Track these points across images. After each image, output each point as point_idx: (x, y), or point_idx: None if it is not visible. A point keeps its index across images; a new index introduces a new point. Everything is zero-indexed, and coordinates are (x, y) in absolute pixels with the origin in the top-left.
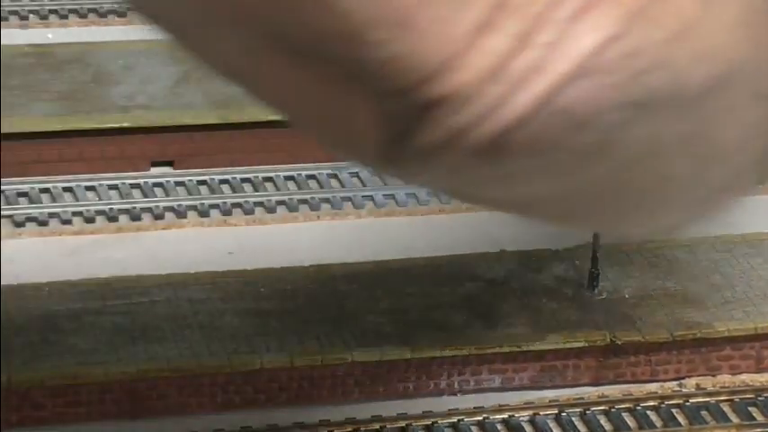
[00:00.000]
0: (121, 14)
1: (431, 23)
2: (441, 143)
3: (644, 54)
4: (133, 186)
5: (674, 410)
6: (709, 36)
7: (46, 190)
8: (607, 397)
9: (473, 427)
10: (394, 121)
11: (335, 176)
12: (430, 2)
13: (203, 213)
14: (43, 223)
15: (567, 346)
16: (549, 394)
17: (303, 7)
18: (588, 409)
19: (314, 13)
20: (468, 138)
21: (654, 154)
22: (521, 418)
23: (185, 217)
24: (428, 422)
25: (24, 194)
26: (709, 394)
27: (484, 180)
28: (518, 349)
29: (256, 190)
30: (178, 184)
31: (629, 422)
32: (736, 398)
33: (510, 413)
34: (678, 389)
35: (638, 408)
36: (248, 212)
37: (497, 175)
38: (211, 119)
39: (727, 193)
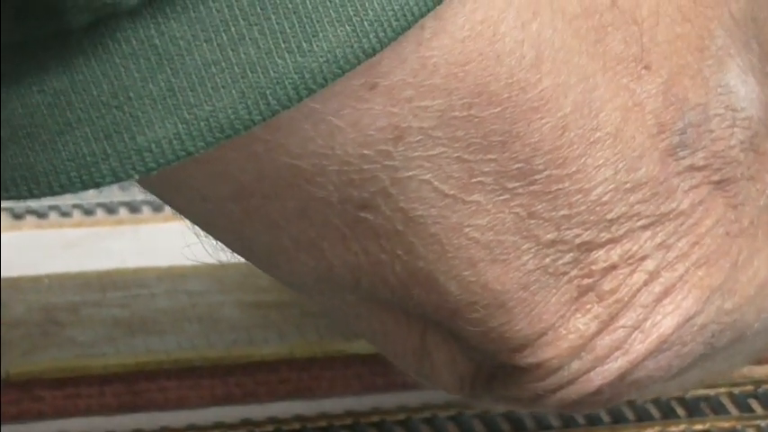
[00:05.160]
0: None
1: (524, 306)
2: (519, 398)
3: (717, 323)
4: None
5: (672, 403)
6: None
7: None
8: None
9: (473, 420)
10: (480, 372)
11: None
12: (524, 286)
13: None
14: (43, 215)
15: None
16: None
17: (413, 288)
18: None
19: (422, 292)
20: (544, 399)
21: (706, 368)
22: (521, 410)
23: None
24: (428, 414)
25: None
26: (708, 386)
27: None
28: None
29: None
30: None
31: (627, 415)
32: (736, 390)
33: None
34: None
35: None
36: None
37: None
38: None
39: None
